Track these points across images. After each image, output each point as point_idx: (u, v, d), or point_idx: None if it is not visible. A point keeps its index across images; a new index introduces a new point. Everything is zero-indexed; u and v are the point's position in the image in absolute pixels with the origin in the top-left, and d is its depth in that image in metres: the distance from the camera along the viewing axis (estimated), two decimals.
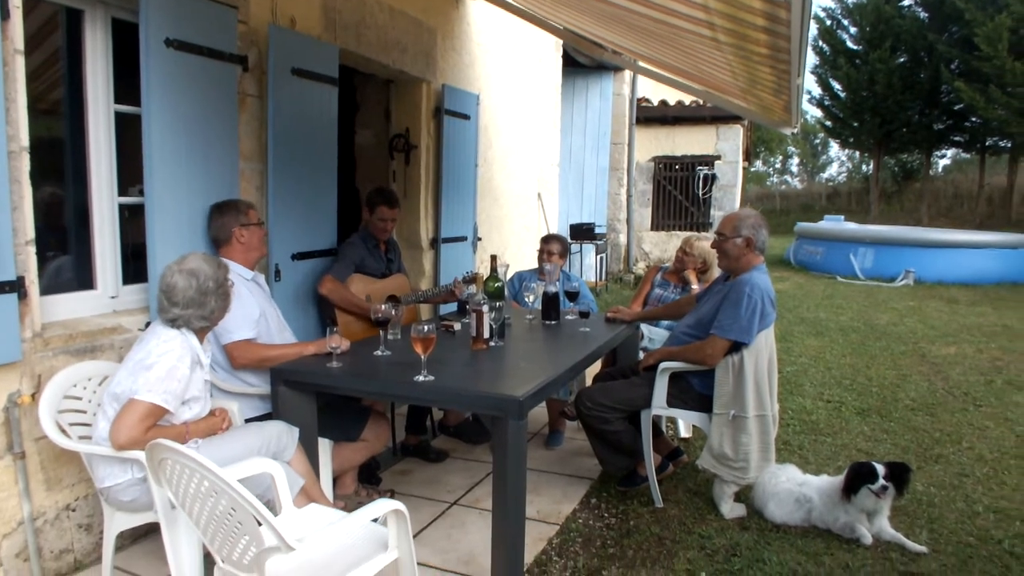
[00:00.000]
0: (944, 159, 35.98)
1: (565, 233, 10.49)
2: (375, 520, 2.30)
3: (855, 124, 27.06)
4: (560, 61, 8.78)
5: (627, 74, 11.85)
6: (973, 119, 23.75)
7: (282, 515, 2.38)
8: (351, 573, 2.07)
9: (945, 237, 13.92)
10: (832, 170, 50.15)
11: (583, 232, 10.62)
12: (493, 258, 3.94)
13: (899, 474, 3.22)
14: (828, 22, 26.79)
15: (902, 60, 24.75)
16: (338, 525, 2.20)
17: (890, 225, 19.63)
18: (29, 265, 2.66)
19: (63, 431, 2.59)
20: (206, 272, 2.55)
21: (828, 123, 29.63)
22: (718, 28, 2.54)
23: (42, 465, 2.79)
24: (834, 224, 16.68)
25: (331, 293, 3.87)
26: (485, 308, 3.26)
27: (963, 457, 4.26)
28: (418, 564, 2.42)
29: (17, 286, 2.57)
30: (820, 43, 27.00)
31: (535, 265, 4.76)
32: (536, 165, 8.16)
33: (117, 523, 2.59)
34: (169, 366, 2.43)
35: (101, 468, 2.50)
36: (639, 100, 12.40)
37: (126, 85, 3.20)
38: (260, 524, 1.87)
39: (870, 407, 5.27)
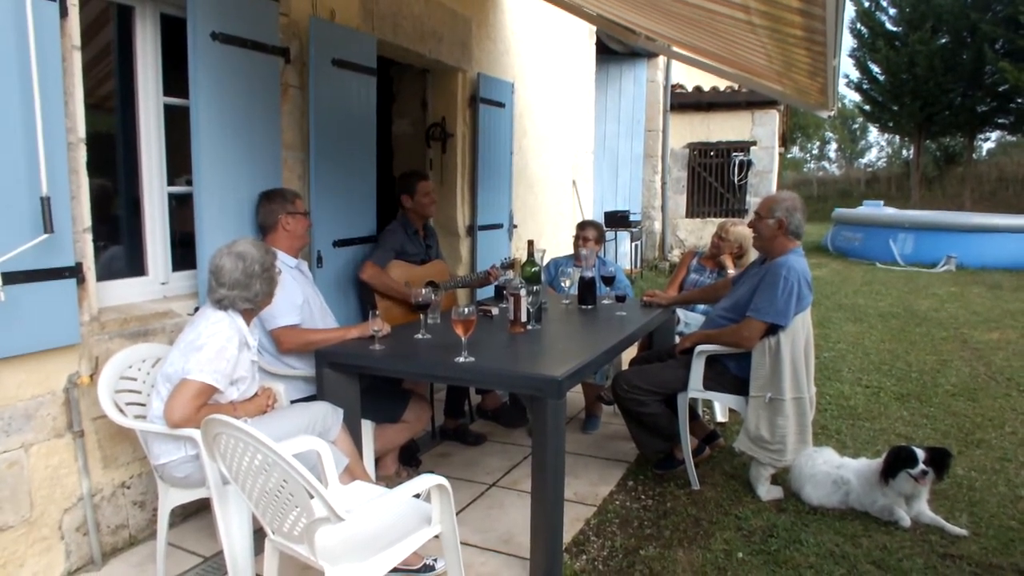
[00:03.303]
0: (988, 142, 34.98)
1: (600, 220, 10.47)
2: (417, 496, 2.38)
3: (895, 108, 26.44)
4: (593, 48, 8.76)
5: (661, 60, 11.76)
6: (1019, 100, 23.09)
7: (329, 490, 2.46)
8: (397, 545, 2.15)
9: (988, 221, 13.57)
10: (871, 155, 49.05)
11: (618, 219, 10.58)
12: (530, 243, 3.99)
13: (939, 459, 3.19)
14: (866, 3, 26.17)
15: (943, 41, 24.10)
16: (384, 498, 2.27)
17: (931, 210, 19.18)
18: (86, 252, 2.77)
19: (120, 410, 2.71)
20: (253, 256, 2.64)
21: (867, 107, 28.99)
22: (752, 11, 2.55)
23: (99, 444, 2.91)
24: (873, 209, 16.32)
25: (372, 279, 3.96)
26: (523, 292, 3.31)
27: (1005, 442, 4.21)
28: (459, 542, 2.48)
29: (76, 272, 2.68)
30: (858, 25, 26.42)
31: (570, 252, 4.80)
32: (570, 152, 8.17)
33: (171, 499, 2.69)
34: (218, 347, 2.53)
35: (156, 445, 2.60)
36: (673, 86, 12.29)
37: (173, 78, 3.30)
38: (311, 496, 1.95)
39: (909, 392, 5.22)
